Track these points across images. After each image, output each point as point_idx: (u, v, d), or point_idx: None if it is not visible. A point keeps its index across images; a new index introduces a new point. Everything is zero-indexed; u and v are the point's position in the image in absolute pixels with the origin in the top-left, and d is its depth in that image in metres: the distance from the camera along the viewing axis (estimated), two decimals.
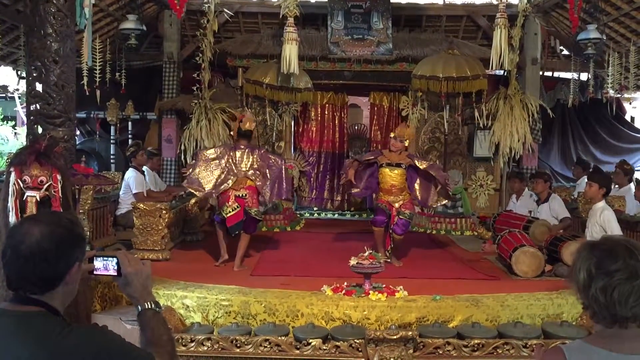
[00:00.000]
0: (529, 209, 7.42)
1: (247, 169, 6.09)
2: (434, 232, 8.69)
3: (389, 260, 6.08)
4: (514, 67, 8.81)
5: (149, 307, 1.94)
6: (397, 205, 6.30)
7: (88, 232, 6.22)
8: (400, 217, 6.28)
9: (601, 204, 5.53)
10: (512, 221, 7.00)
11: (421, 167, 6.36)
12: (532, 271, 5.69)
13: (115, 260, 1.93)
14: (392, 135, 6.54)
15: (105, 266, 1.93)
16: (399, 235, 6.35)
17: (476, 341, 4.28)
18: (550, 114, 9.39)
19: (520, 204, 7.76)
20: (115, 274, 1.93)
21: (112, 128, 10.70)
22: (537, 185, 7.19)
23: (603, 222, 5.39)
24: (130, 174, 7.48)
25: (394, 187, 6.30)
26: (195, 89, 8.88)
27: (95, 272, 1.94)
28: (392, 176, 6.30)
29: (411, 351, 4.17)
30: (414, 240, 8.09)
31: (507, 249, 5.97)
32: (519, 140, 8.70)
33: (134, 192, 7.29)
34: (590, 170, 7.85)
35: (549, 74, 11.18)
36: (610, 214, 5.43)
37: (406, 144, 6.43)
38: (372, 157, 6.54)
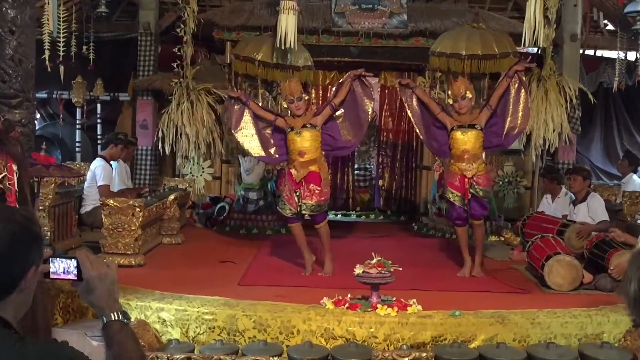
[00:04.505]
0: (566, 212, 7.42)
1: None
2: (453, 236, 8.66)
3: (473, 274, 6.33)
4: (550, 44, 8.79)
5: (115, 318, 1.93)
6: (469, 174, 6.30)
7: (49, 232, 6.23)
8: (475, 196, 6.31)
9: None
10: (545, 225, 6.99)
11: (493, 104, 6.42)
12: (567, 283, 5.68)
13: (74, 262, 1.91)
14: (449, 101, 6.57)
15: (63, 269, 1.90)
16: (479, 218, 6.41)
17: None
18: (592, 100, 9.38)
19: (556, 206, 7.75)
20: (75, 278, 1.91)
21: (78, 111, 10.70)
22: (575, 183, 7.16)
23: None
24: (98, 163, 7.47)
25: (467, 153, 6.31)
26: (175, 66, 8.87)
27: (51, 276, 1.90)
28: (464, 140, 6.32)
29: None
30: (430, 246, 8.10)
31: (538, 257, 5.97)
32: (554, 130, 8.69)
33: (99, 183, 7.28)
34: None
35: (590, 52, 11.16)
36: None
37: (469, 96, 6.35)
38: (440, 111, 6.52)
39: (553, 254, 5.77)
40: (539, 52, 9.30)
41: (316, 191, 6.23)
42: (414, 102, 6.63)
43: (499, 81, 6.77)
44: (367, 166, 11.88)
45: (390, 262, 5.00)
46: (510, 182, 9.60)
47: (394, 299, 4.93)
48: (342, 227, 9.41)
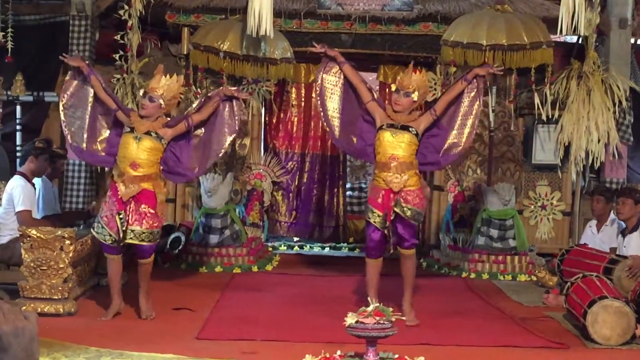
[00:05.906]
0: (614, 244, 7.46)
1: None
2: (473, 275, 8.68)
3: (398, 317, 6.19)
4: (593, 32, 8.87)
5: None
6: (396, 188, 6.28)
7: None
8: (403, 216, 6.29)
9: None
10: (588, 261, 7.02)
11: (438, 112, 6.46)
12: (616, 336, 5.70)
13: None
14: (393, 88, 6.59)
15: None
16: (407, 248, 6.37)
17: None
18: None
19: (603, 237, 7.79)
20: None
21: None
22: (624, 208, 7.20)
23: None
24: (16, 182, 7.41)
25: (395, 160, 6.30)
26: (117, 57, 8.87)
27: None
28: (393, 143, 6.32)
29: None
30: (443, 288, 8.10)
31: (580, 303, 5.99)
32: (599, 141, 8.74)
33: (19, 209, 7.23)
34: None
35: None
36: None
37: (415, 98, 6.39)
38: (370, 99, 6.59)
39: (598, 299, 5.79)
40: (580, 41, 9.40)
41: (148, 214, 6.26)
42: (339, 81, 6.76)
43: (452, 83, 6.85)
44: (363, 185, 11.89)
45: (391, 309, 4.99)
46: (544, 206, 9.63)
47: (397, 356, 4.92)
48: (330, 264, 9.40)
